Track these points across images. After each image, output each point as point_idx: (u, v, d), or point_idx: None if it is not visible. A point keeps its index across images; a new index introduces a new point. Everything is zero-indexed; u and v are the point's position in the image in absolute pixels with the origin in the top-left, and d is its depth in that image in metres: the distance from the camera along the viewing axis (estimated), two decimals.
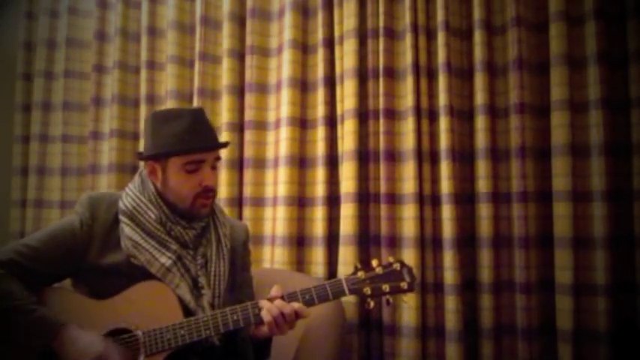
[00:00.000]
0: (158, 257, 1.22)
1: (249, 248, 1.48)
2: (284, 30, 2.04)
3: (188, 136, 1.21)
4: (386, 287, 1.23)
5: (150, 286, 1.21)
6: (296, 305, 1.17)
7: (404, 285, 1.23)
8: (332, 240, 1.90)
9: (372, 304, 1.22)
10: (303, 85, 2.02)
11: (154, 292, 1.21)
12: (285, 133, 1.96)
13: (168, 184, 1.25)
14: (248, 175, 2.04)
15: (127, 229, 1.23)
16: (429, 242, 1.76)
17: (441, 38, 1.75)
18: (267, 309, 1.17)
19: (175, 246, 1.25)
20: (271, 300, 1.18)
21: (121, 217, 1.25)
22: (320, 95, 1.95)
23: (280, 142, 1.98)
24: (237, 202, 2.08)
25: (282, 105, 2.00)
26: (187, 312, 1.21)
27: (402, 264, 1.26)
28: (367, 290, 1.22)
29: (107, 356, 1.12)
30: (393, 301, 1.26)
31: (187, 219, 1.27)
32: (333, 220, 1.91)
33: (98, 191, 1.42)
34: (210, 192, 1.26)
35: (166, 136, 1.22)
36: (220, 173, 2.08)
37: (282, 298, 1.19)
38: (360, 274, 1.23)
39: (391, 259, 1.27)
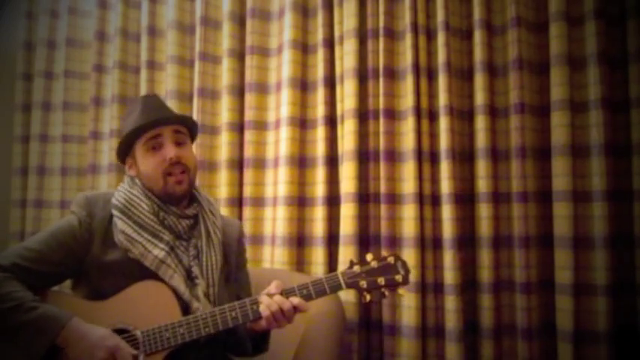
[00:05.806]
0: (151, 249, 1.22)
1: (244, 245, 1.50)
2: (284, 30, 2.04)
3: (139, 118, 1.28)
4: (381, 280, 1.26)
5: (146, 285, 1.22)
6: (295, 300, 1.20)
7: (399, 278, 1.27)
8: (332, 240, 1.90)
9: (367, 297, 1.25)
10: (303, 85, 2.02)
11: (151, 292, 1.21)
12: (285, 133, 1.96)
13: (140, 170, 1.30)
14: (248, 175, 2.04)
15: (119, 222, 1.24)
16: (429, 242, 1.76)
17: (441, 38, 1.75)
18: (267, 304, 1.19)
19: (169, 236, 1.26)
20: (270, 296, 1.20)
21: (114, 212, 1.26)
22: (320, 95, 1.95)
23: (280, 142, 1.98)
24: (238, 202, 2.08)
25: (282, 105, 2.00)
26: (185, 309, 1.22)
27: (397, 257, 1.29)
28: (363, 284, 1.25)
29: (120, 350, 1.11)
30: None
31: (175, 204, 1.29)
32: (333, 220, 1.91)
33: (93, 191, 1.46)
34: (177, 165, 1.27)
35: (126, 126, 1.33)
36: (220, 173, 2.08)
37: (280, 294, 1.21)
38: (356, 267, 1.27)
39: (385, 254, 1.30)
